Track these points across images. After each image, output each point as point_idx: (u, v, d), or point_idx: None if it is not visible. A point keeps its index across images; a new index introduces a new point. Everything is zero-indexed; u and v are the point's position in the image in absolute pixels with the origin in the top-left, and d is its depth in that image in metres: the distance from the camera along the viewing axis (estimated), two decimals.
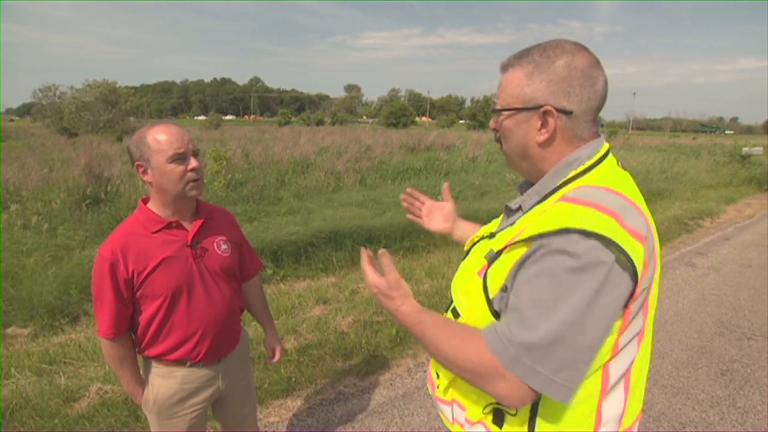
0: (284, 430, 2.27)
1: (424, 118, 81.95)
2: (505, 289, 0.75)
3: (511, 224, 0.84)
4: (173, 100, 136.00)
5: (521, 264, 0.72)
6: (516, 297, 0.72)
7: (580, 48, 0.78)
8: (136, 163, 1.23)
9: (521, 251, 0.73)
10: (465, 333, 0.76)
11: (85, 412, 2.24)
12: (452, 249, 5.61)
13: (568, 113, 0.77)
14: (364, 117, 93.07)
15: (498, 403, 0.80)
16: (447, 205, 1.29)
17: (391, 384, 2.67)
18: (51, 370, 2.71)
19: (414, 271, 4.58)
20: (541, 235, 0.70)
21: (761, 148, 14.15)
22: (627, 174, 0.82)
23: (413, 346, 3.10)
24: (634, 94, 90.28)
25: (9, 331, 3.43)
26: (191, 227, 1.29)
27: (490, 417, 0.82)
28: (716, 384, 2.75)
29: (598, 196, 0.71)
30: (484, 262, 0.82)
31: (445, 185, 1.31)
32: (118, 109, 23.27)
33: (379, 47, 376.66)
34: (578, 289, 0.66)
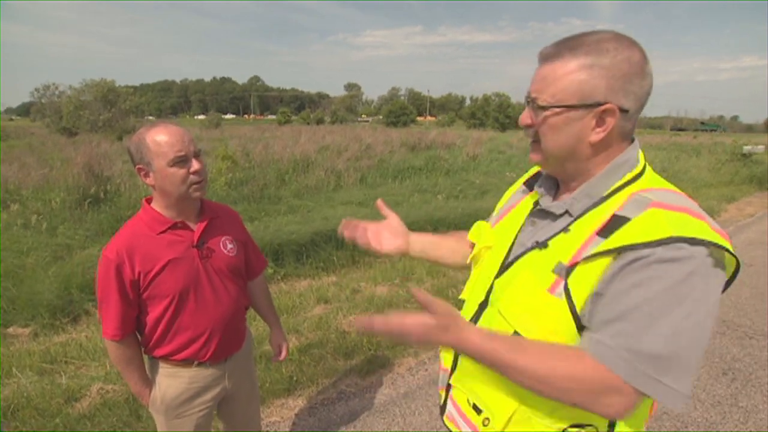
0: (286, 429, 2.26)
1: (429, 118, 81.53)
2: (590, 301, 0.71)
3: (565, 231, 0.76)
4: (173, 100, 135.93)
5: (616, 274, 0.68)
6: (618, 307, 0.67)
7: (633, 41, 0.73)
8: (138, 166, 1.21)
9: (606, 261, 0.69)
10: (558, 350, 0.71)
11: (87, 412, 2.23)
12: None
13: (625, 112, 0.72)
14: (364, 116, 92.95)
15: (574, 426, 0.76)
16: (392, 220, 1.09)
17: (392, 383, 2.67)
18: (52, 370, 2.71)
19: (415, 270, 4.58)
20: (642, 245, 0.66)
21: (763, 147, 14.11)
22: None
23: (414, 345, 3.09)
24: None
25: (10, 330, 3.43)
26: (197, 227, 1.28)
27: None
28: (718, 383, 2.74)
29: (684, 201, 0.71)
30: (553, 276, 0.73)
31: (379, 201, 1.13)
32: (117, 109, 23.23)
33: (379, 46, 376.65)
34: (695, 296, 0.65)
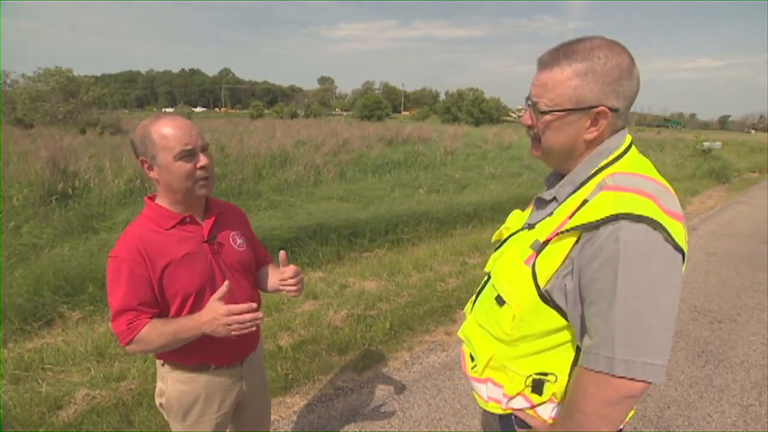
0: (287, 428, 2.23)
1: (406, 113, 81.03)
2: (559, 276, 0.80)
3: (550, 214, 0.88)
4: (138, 91, 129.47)
5: (581, 270, 0.76)
6: (591, 306, 0.76)
7: (622, 47, 0.81)
8: (141, 158, 1.16)
9: (570, 240, 0.79)
10: (578, 395, 0.78)
11: (73, 420, 2.12)
12: (437, 242, 5.65)
13: (615, 111, 0.81)
14: (338, 110, 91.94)
15: (538, 374, 0.87)
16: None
17: (389, 377, 2.68)
18: (28, 377, 2.55)
19: (401, 264, 4.59)
20: (589, 224, 0.75)
21: (720, 143, 14.98)
22: (648, 161, 0.88)
23: (408, 339, 3.11)
24: None
25: None
26: (205, 223, 1.24)
27: (529, 388, 0.89)
28: (694, 365, 2.91)
29: (635, 182, 0.77)
30: (531, 251, 0.85)
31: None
32: (79, 100, 21.92)
33: (354, 39, 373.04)
34: (647, 278, 0.72)
